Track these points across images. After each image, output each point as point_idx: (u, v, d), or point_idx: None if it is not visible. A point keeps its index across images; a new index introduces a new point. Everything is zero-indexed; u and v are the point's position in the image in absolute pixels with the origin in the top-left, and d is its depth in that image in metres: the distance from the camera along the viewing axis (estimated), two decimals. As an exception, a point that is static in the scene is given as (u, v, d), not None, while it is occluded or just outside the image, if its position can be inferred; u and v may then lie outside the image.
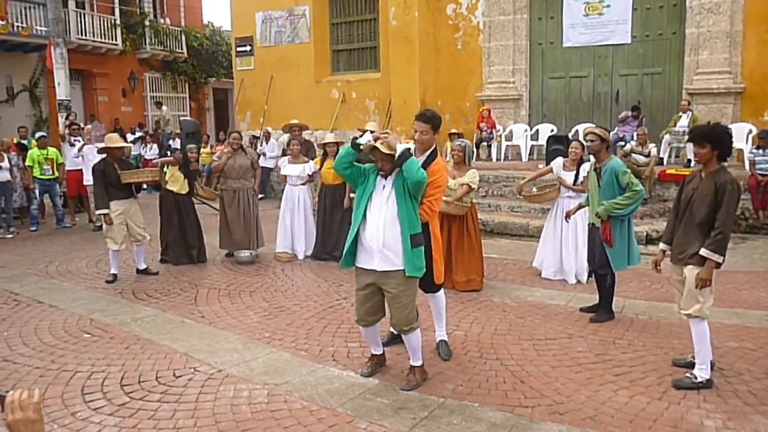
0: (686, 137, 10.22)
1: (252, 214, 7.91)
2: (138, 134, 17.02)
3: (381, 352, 4.32)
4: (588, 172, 5.70)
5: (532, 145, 12.16)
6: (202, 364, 4.40)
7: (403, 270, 3.83)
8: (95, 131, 10.31)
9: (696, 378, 3.96)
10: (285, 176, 8.01)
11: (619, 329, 5.10)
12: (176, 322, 5.39)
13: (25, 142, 11.72)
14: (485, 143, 12.24)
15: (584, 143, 5.79)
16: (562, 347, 4.72)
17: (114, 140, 7.09)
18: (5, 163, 10.03)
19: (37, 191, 10.36)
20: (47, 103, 16.85)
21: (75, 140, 11.00)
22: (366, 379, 4.13)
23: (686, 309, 4.02)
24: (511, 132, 12.41)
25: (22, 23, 15.40)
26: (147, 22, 19.96)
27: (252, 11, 15.79)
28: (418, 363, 4.09)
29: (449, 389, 3.98)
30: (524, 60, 12.55)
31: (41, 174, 10.26)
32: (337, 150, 7.63)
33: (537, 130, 12.11)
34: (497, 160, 12.17)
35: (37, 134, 11.50)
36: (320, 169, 7.75)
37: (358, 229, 3.91)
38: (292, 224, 7.89)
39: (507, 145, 12.35)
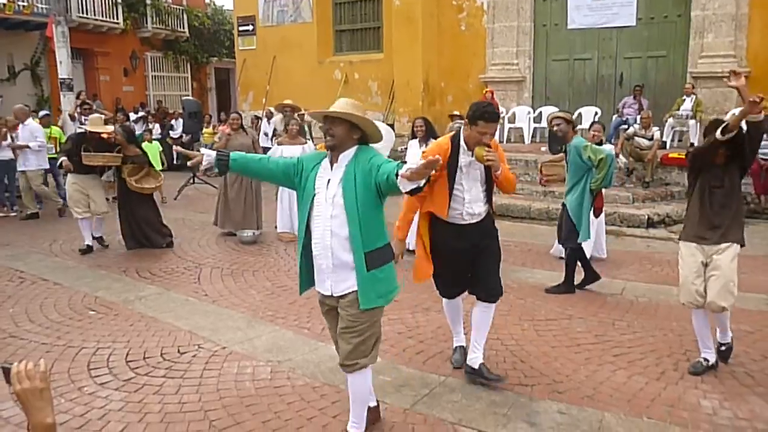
0: (690, 121, 10.26)
1: (253, 194, 7.97)
2: (140, 114, 16.96)
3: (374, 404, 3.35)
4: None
5: (535, 128, 12.13)
6: (206, 341, 4.46)
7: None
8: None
9: (708, 361, 3.96)
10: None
11: (618, 311, 5.14)
12: (180, 300, 5.44)
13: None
14: (488, 125, 12.18)
15: (554, 128, 5.81)
16: (561, 328, 4.77)
17: (95, 122, 7.22)
18: (8, 142, 10.04)
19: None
20: (49, 83, 16.78)
21: (85, 120, 10.99)
22: (368, 357, 4.18)
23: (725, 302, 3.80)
24: (514, 114, 12.38)
25: (23, 1, 15.30)
26: (149, 1, 19.79)
27: (254, -10, 15.67)
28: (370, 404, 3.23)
29: (450, 368, 4.04)
30: (528, 42, 12.47)
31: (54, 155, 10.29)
32: None
33: (540, 112, 12.06)
34: (500, 142, 12.12)
35: (41, 113, 11.47)
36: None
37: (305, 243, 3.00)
38: (291, 204, 7.91)
39: (510, 128, 12.33)
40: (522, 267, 6.55)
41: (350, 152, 2.92)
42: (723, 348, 4.08)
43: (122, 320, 4.91)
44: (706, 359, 3.97)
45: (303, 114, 12.99)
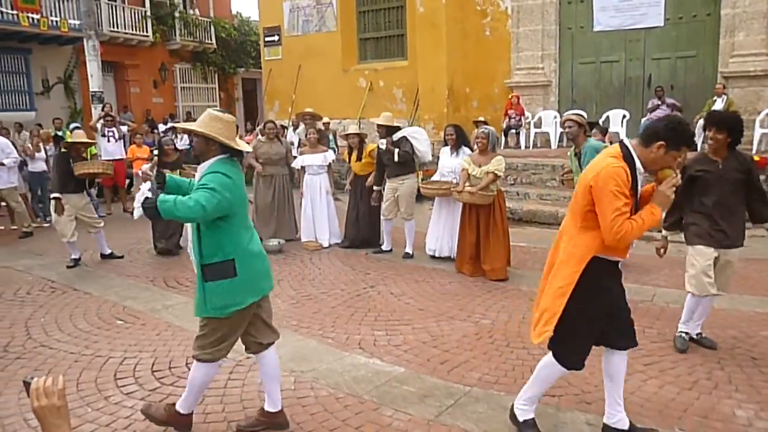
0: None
1: (286, 201, 8.11)
2: (169, 125, 17.24)
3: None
4: (570, 158, 5.82)
5: (562, 132, 11.95)
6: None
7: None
8: None
9: (689, 335, 4.44)
10: (303, 167, 8.04)
11: (648, 318, 5.02)
12: (206, 309, 5.47)
13: (60, 133, 11.98)
14: (514, 130, 12.11)
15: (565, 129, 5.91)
16: (590, 336, 4.66)
17: (79, 136, 7.37)
18: (42, 154, 10.29)
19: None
20: (81, 95, 17.17)
21: (109, 132, 11.21)
22: (392, 367, 4.15)
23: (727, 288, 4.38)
24: (540, 119, 12.26)
25: (55, 16, 15.69)
26: (177, 14, 20.16)
27: (280, 1, 15.83)
28: (184, 409, 3.31)
29: (475, 378, 3.98)
30: (554, 45, 12.35)
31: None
32: (359, 142, 7.67)
33: (567, 116, 11.91)
34: (526, 147, 12.03)
35: (72, 125, 11.73)
36: (348, 161, 7.83)
37: None
38: (314, 213, 7.96)
39: (536, 132, 12.21)
40: (549, 274, 6.44)
41: (208, 163, 3.12)
42: (703, 336, 4.48)
43: (149, 329, 4.96)
44: (686, 332, 4.42)
45: (328, 122, 13.13)
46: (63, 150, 7.23)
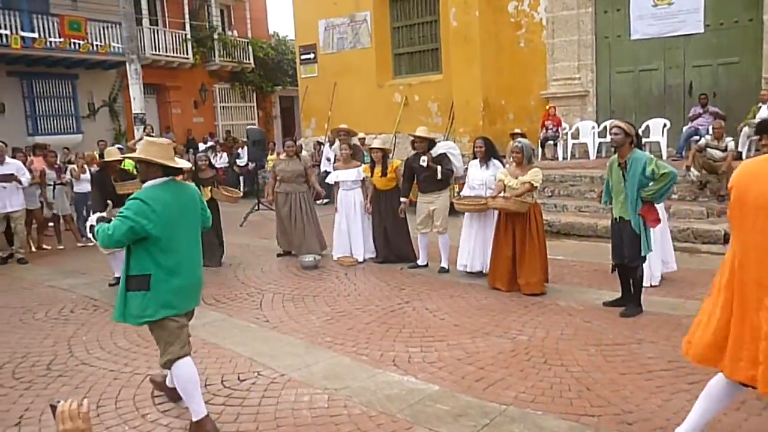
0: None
1: (304, 217, 8.21)
2: (209, 143, 17.63)
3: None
4: (610, 167, 5.60)
5: (600, 143, 11.77)
6: (265, 368, 4.49)
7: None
8: None
9: None
10: (337, 182, 8.09)
11: (693, 334, 4.84)
12: (242, 326, 5.53)
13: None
14: (551, 142, 11.96)
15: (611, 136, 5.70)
16: (631, 353, 4.53)
17: (112, 154, 7.49)
18: (86, 176, 10.61)
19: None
20: (125, 117, 17.70)
21: None
22: (426, 385, 4.10)
23: None
24: (577, 130, 12.07)
25: (100, 42, 16.26)
26: (216, 36, 20.66)
27: (315, 19, 16.07)
28: (195, 416, 3.48)
29: (511, 396, 3.89)
30: (590, 55, 12.18)
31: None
32: (382, 157, 7.66)
33: (605, 126, 11.68)
34: (563, 159, 11.86)
35: (115, 147, 12.08)
36: (371, 175, 7.79)
37: None
38: (349, 228, 7.98)
39: (573, 144, 12.03)
40: (588, 288, 6.30)
41: (143, 186, 3.56)
42: None
43: (186, 347, 5.02)
44: None
45: (363, 138, 13.20)
46: (99, 169, 7.43)
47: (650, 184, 5.20)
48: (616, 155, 5.49)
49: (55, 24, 15.38)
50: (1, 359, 4.92)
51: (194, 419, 3.48)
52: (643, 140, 6.47)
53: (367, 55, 15.20)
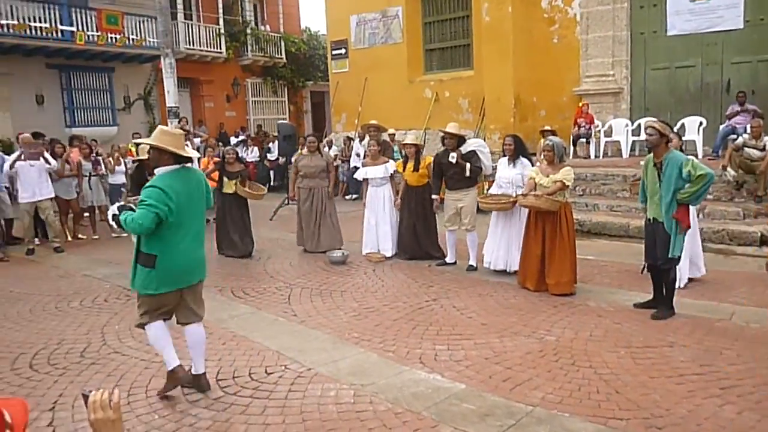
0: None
1: (325, 213, 8.30)
2: (240, 137, 17.81)
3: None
4: (645, 167, 5.50)
5: (634, 141, 11.56)
6: (293, 362, 4.53)
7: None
8: (29, 149, 8.93)
9: None
10: (366, 179, 8.11)
11: (726, 338, 4.74)
12: (270, 320, 5.59)
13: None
14: (583, 139, 11.79)
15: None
16: (662, 356, 4.45)
17: (144, 151, 7.57)
18: (121, 168, 10.83)
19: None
20: (159, 110, 17.98)
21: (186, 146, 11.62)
22: (452, 383, 4.09)
23: None
24: (610, 127, 11.87)
25: (135, 36, 16.53)
26: (249, 30, 20.82)
27: (347, 15, 16.09)
28: (167, 367, 3.99)
29: (538, 397, 3.86)
30: (624, 51, 11.96)
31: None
32: (415, 152, 7.64)
33: (639, 124, 11.49)
34: (596, 157, 11.68)
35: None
36: (403, 170, 7.79)
37: None
38: (377, 224, 8.00)
39: (606, 141, 11.83)
40: (618, 288, 6.21)
41: (157, 172, 3.84)
42: None
43: (215, 339, 5.09)
44: None
45: (393, 134, 13.19)
46: (137, 165, 7.61)
47: (686, 185, 5.10)
48: (651, 154, 5.39)
49: (93, 18, 15.68)
50: (37, 345, 5.06)
51: (167, 368, 3.96)
52: (673, 139, 6.33)
53: (399, 50, 15.17)
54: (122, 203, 4.15)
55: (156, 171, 3.85)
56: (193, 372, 4.05)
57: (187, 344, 4.10)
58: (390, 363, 4.49)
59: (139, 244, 3.81)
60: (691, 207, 5.35)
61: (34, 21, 14.54)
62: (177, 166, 3.83)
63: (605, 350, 4.59)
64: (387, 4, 15.23)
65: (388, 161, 8.12)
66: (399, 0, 14.99)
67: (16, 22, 14.06)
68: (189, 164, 3.97)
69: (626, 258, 7.33)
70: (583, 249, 7.14)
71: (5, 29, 13.92)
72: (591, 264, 7.15)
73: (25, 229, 9.20)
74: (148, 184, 3.77)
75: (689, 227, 5.31)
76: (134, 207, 3.86)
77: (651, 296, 5.54)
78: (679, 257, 5.31)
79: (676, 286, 5.65)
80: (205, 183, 4.09)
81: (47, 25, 14.74)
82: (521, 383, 4.07)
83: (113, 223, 4.05)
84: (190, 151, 3.96)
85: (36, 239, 9.44)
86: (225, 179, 8.39)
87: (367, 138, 10.85)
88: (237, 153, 8.83)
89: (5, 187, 9.34)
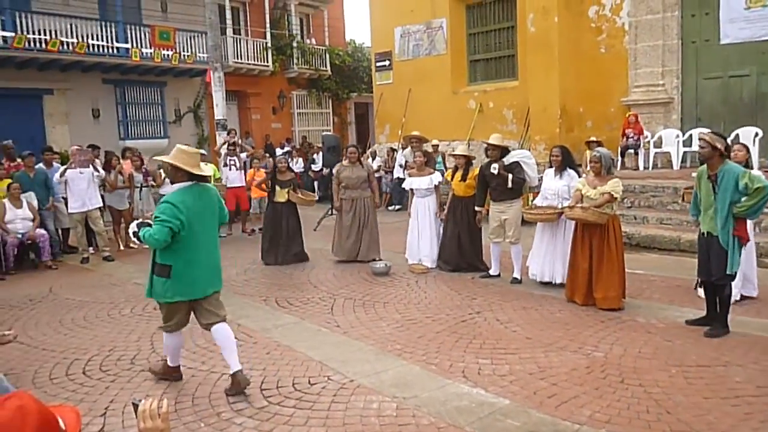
0: None
1: (368, 223, 8.39)
2: (286, 149, 18.09)
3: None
4: (699, 179, 5.34)
5: (685, 152, 11.23)
6: (336, 373, 4.55)
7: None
8: (80, 156, 9.21)
9: None
10: (411, 189, 8.14)
11: (786, 359, 4.54)
12: (313, 330, 5.63)
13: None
14: (632, 151, 11.54)
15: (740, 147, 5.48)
16: (716, 376, 4.29)
17: (165, 169, 7.75)
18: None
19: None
20: (208, 123, 18.43)
21: (231, 161, 11.88)
22: (496, 398, 4.04)
23: None
24: (660, 138, 11.58)
25: (187, 51, 17.03)
26: (295, 44, 21.20)
27: (391, 27, 16.19)
28: (170, 363, 4.47)
29: (585, 415, 3.77)
30: (675, 60, 11.66)
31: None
32: (465, 163, 7.62)
33: (690, 135, 11.17)
34: (645, 168, 11.40)
35: (199, 152, 12.58)
36: (451, 180, 7.79)
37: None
38: (420, 234, 8.01)
39: (656, 153, 11.54)
40: (669, 305, 6.02)
41: (172, 188, 4.18)
42: None
43: (260, 348, 5.16)
44: None
45: (437, 145, 13.19)
46: None
47: (743, 199, 4.93)
48: (704, 166, 5.23)
49: (146, 34, 16.23)
50: (90, 351, 5.22)
51: (169, 364, 4.45)
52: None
53: (443, 61, 15.17)
54: (141, 220, 4.43)
55: (173, 187, 4.19)
56: (231, 371, 4.23)
57: (218, 346, 4.39)
58: (433, 376, 4.46)
59: (154, 256, 4.11)
60: (748, 221, 5.17)
61: (92, 38, 15.14)
62: (190, 183, 4.12)
63: (656, 368, 4.45)
64: (431, 16, 15.27)
65: (433, 172, 8.14)
66: (443, 12, 15.01)
67: (76, 41, 14.66)
68: (203, 181, 4.26)
69: (677, 273, 7.12)
70: (632, 263, 6.97)
71: (66, 47, 14.54)
72: (640, 278, 6.97)
73: (78, 238, 9.54)
74: (162, 199, 4.11)
75: (748, 240, 5.13)
76: (151, 222, 4.08)
77: (704, 313, 5.35)
78: (735, 273, 5.13)
79: (731, 303, 5.45)
80: (218, 199, 4.38)
81: (104, 42, 15.32)
82: (567, 400, 3.98)
83: (134, 239, 4.35)
84: (204, 169, 4.26)
85: (90, 248, 9.76)
86: (277, 188, 8.59)
87: (409, 149, 10.88)
88: (288, 162, 9.03)
89: (62, 198, 9.72)
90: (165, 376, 4.49)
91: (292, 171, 9.22)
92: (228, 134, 13.38)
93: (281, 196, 8.61)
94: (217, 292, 4.34)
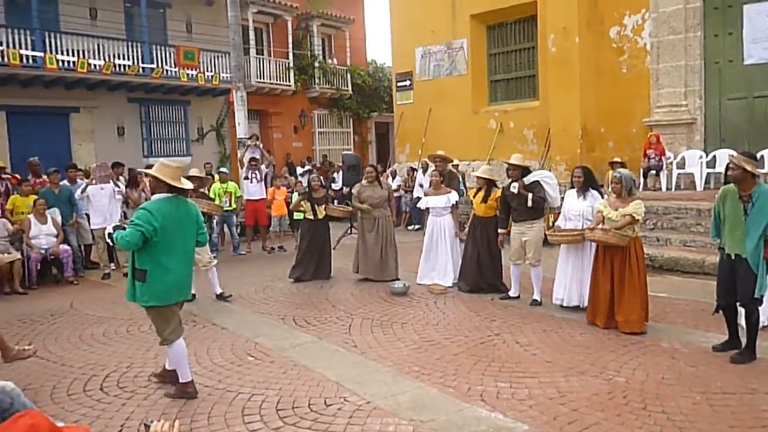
0: None
1: (390, 241, 8.44)
2: (306, 167, 18.20)
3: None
4: (723, 199, 5.21)
5: (708, 173, 11.07)
6: (352, 394, 4.50)
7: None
8: (99, 171, 9.55)
9: None
10: (428, 208, 8.16)
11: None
12: (331, 350, 5.60)
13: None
14: (654, 171, 11.40)
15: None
16: (743, 404, 4.17)
17: (188, 179, 7.81)
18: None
19: (215, 221, 11.37)
20: (230, 141, 18.64)
21: (252, 174, 11.99)
22: (515, 423, 3.96)
23: None
24: (683, 159, 11.42)
25: (211, 71, 17.30)
26: (317, 64, 21.43)
27: (412, 47, 16.29)
28: (181, 378, 4.52)
29: (606, 442, 3.68)
30: (698, 81, 11.54)
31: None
32: (486, 183, 7.59)
33: (714, 156, 11.02)
34: (667, 189, 11.25)
35: (221, 169, 12.72)
36: (473, 197, 7.77)
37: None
38: (437, 254, 8.02)
39: (679, 174, 11.38)
40: (694, 329, 5.89)
41: (155, 196, 4.47)
42: None
43: (277, 367, 5.14)
44: None
45: (457, 164, 13.17)
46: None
47: None
48: (729, 186, 5.12)
49: (172, 54, 16.54)
50: (108, 367, 5.25)
51: (181, 380, 4.51)
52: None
53: (463, 81, 15.21)
54: (117, 224, 4.78)
55: (152, 197, 4.50)
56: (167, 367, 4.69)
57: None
58: (450, 399, 4.39)
59: (133, 262, 4.34)
60: None
61: (119, 58, 15.45)
62: (170, 195, 4.42)
63: (679, 395, 4.34)
64: (452, 37, 15.35)
65: (450, 191, 8.13)
66: (464, 32, 15.08)
67: (102, 62, 14.97)
68: (182, 195, 4.54)
69: (701, 296, 6.97)
70: (654, 285, 6.84)
71: (93, 67, 14.85)
72: (663, 302, 6.84)
73: (99, 254, 9.66)
74: (139, 206, 4.43)
75: None
76: (125, 227, 4.35)
77: (727, 338, 5.23)
78: (762, 297, 5.00)
79: (760, 328, 5.31)
80: (198, 216, 4.63)
81: (130, 63, 15.62)
82: (588, 427, 3.89)
83: (109, 241, 4.52)
84: (184, 183, 4.51)
85: (111, 264, 9.87)
86: (315, 206, 8.72)
87: (430, 168, 10.90)
88: (321, 180, 9.21)
89: (85, 214, 9.86)
90: (180, 395, 4.51)
91: (325, 187, 9.40)
92: (250, 139, 13.55)
93: (320, 212, 8.75)
94: (184, 301, 4.67)
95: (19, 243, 8.94)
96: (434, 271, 8.06)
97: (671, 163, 11.39)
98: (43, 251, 9.04)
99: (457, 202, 8.13)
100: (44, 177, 10.18)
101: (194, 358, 5.42)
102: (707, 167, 11.06)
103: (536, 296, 7.02)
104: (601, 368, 4.91)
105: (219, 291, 7.83)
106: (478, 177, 7.75)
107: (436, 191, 8.12)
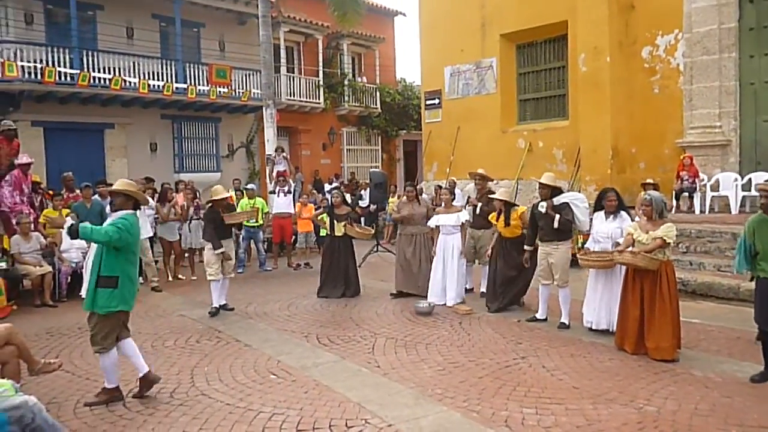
0: None
1: (426, 258, 8.44)
2: (334, 184, 18.28)
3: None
4: (755, 227, 5.14)
5: (744, 196, 10.79)
6: (373, 416, 4.43)
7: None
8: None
9: None
10: (438, 226, 8.18)
11: None
12: (353, 370, 5.54)
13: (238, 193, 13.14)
14: (687, 194, 11.15)
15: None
16: (780, 438, 4.00)
17: (218, 192, 8.12)
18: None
19: (242, 237, 11.44)
20: (259, 158, 18.85)
21: (280, 190, 12.08)
22: (539, 451, 3.85)
23: None
24: (717, 181, 11.16)
25: (242, 88, 17.58)
26: (346, 82, 21.62)
27: (441, 66, 16.33)
28: (107, 384, 4.77)
29: (635, 474, 3.55)
30: (733, 102, 11.30)
31: (247, 221, 11.30)
32: (504, 205, 7.52)
33: (750, 179, 10.74)
34: (701, 212, 10.98)
35: (248, 185, 12.83)
36: (496, 221, 7.71)
37: None
38: (445, 272, 8.04)
39: (713, 196, 11.12)
40: (728, 358, 5.69)
41: (120, 213, 4.79)
42: None
43: (298, 386, 5.10)
44: None
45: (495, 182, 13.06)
46: (210, 206, 8.16)
47: None
48: (754, 216, 5.05)
49: (204, 72, 16.85)
50: (132, 383, 5.24)
51: (108, 386, 4.79)
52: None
53: (492, 100, 15.16)
54: (73, 222, 4.92)
55: (122, 212, 4.78)
56: (140, 374, 4.88)
57: (125, 354, 4.87)
58: (474, 424, 4.29)
59: (99, 270, 4.60)
60: None
61: (152, 78, 15.79)
62: (133, 211, 4.86)
63: (713, 427, 4.18)
64: (481, 56, 15.34)
65: (461, 210, 8.18)
66: (493, 52, 15.06)
67: (137, 79, 15.32)
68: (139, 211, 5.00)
69: (736, 323, 6.75)
70: (687, 311, 6.66)
71: (128, 84, 15.20)
72: (696, 328, 6.64)
73: (144, 266, 9.80)
74: (120, 216, 4.72)
75: None
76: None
77: (763, 368, 5.03)
78: None
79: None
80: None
81: (164, 81, 15.94)
82: (616, 457, 3.76)
83: (68, 235, 4.58)
84: (149, 199, 4.96)
85: (139, 278, 9.95)
86: (334, 222, 8.71)
87: (471, 185, 10.89)
88: (342, 195, 9.19)
89: None
90: (109, 400, 4.74)
91: (348, 204, 9.39)
92: (275, 152, 13.68)
93: (339, 230, 8.75)
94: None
95: (51, 256, 9.11)
96: (441, 288, 8.03)
97: (705, 185, 11.13)
98: (73, 264, 9.19)
99: (467, 220, 8.12)
100: (77, 191, 10.38)
101: (217, 375, 5.43)
102: (742, 190, 10.79)
103: (564, 319, 6.88)
104: (631, 396, 4.76)
105: (222, 303, 8.02)
106: (494, 199, 7.72)
107: (446, 210, 8.16)
